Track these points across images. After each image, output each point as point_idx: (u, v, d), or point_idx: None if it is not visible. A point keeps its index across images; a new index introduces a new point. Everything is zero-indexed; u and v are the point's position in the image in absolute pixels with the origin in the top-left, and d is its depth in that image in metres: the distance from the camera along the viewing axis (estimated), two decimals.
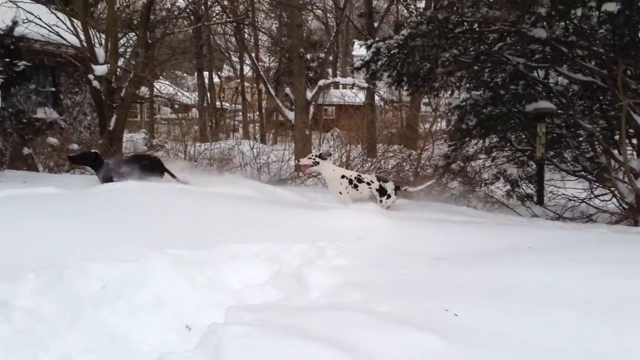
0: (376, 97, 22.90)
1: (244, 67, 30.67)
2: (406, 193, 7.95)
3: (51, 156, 11.79)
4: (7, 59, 10.85)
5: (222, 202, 6.39)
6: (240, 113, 33.51)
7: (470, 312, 3.11)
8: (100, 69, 10.82)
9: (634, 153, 9.19)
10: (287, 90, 18.79)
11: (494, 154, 11.98)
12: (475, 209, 9.88)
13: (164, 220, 5.22)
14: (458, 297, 3.39)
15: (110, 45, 11.22)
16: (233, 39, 28.23)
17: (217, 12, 20.85)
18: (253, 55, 22.99)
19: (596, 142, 9.63)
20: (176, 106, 29.03)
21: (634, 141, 9.21)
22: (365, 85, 17.63)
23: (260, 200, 6.88)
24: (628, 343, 2.74)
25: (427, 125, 16.40)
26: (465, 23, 9.25)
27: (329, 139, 15.31)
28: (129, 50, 13.30)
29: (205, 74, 30.28)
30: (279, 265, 4.27)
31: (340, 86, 30.61)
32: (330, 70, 28.36)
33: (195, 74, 31.14)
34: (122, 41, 12.92)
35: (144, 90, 20.73)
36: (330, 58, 25.79)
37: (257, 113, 30.23)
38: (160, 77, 25.38)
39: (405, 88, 11.73)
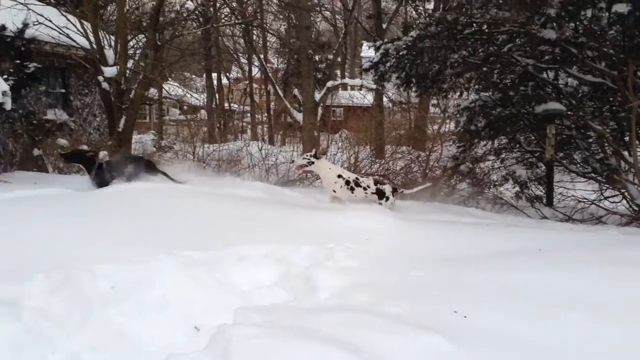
0: (384, 99, 22.87)
1: (253, 68, 30.71)
2: (402, 195, 7.95)
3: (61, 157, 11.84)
4: (18, 61, 10.94)
5: (231, 203, 6.40)
6: (249, 114, 33.56)
7: (480, 314, 3.10)
8: (110, 71, 10.85)
9: None
10: (296, 91, 18.80)
11: (503, 155, 11.94)
12: (484, 210, 9.84)
13: (172, 221, 5.24)
14: (467, 299, 3.37)
15: (119, 47, 11.26)
16: (242, 41, 28.28)
17: (225, 13, 20.86)
18: (261, 56, 23.02)
19: (606, 144, 9.58)
20: (185, 107, 29.11)
21: None
22: (374, 86, 17.62)
23: (269, 202, 6.89)
24: (638, 345, 2.72)
25: (436, 127, 16.33)
26: (474, 24, 9.23)
27: (337, 140, 15.30)
28: (138, 52, 13.34)
29: (214, 75, 30.34)
30: (287, 266, 4.28)
31: (349, 87, 30.58)
32: (338, 72, 28.36)
33: (204, 75, 31.19)
34: (131, 43, 12.97)
35: (153, 91, 20.80)
36: (339, 59, 25.78)
37: (266, 114, 30.29)
38: (169, 79, 25.49)
39: (413, 89, 11.73)
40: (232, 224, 5.37)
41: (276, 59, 33.50)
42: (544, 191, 10.68)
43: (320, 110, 16.59)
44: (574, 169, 10.62)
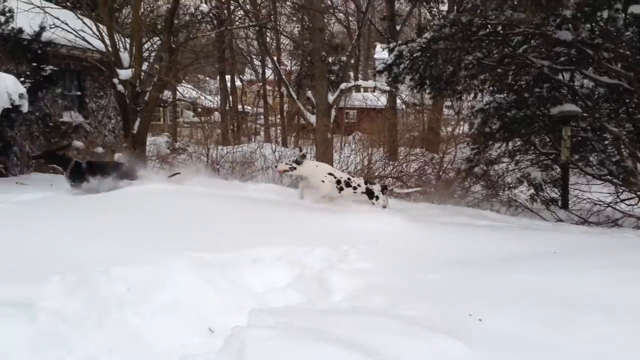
0: (398, 101, 22.80)
1: (266, 70, 30.77)
2: (393, 193, 7.96)
3: None
4: (35, 64, 11.08)
5: (244, 205, 6.42)
6: (262, 116, 33.62)
7: (495, 317, 3.08)
8: (125, 73, 10.92)
9: None
10: (309, 93, 18.78)
11: (517, 158, 11.88)
12: (498, 213, 9.79)
13: (186, 222, 5.26)
14: (482, 302, 3.36)
15: (134, 49, 11.32)
16: (255, 43, 28.33)
17: (239, 16, 21.01)
18: (275, 58, 23.00)
19: (622, 146, 9.49)
20: (199, 110, 29.26)
21: None
22: (387, 88, 17.56)
23: (282, 204, 6.89)
24: None
25: (450, 129, 16.30)
26: (489, 26, 9.20)
27: (350, 142, 15.30)
28: (153, 54, 13.42)
29: (228, 77, 30.42)
30: (301, 268, 4.28)
31: (362, 89, 30.55)
32: (352, 74, 28.29)
33: (218, 77, 31.27)
34: (146, 45, 13.04)
35: (167, 94, 20.92)
36: (352, 61, 25.70)
37: (279, 116, 30.31)
38: (184, 81, 25.59)
39: (427, 91, 11.70)
40: (246, 225, 5.38)
41: (289, 61, 33.48)
42: (559, 194, 10.60)
43: (333, 112, 16.54)
44: (590, 171, 10.54)
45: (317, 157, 13.98)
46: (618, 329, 2.88)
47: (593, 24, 8.30)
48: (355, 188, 7.03)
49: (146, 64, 12.66)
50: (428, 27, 11.74)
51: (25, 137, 11.15)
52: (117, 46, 11.50)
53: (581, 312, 3.08)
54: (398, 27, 22.93)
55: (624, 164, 9.48)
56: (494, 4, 9.60)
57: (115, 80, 11.02)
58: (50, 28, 11.26)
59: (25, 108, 8.37)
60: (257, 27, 19.06)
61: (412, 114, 24.48)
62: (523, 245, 5.34)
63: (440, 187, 11.82)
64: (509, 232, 6.46)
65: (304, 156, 7.08)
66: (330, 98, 15.31)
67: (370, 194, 7.03)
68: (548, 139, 11.21)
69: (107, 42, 11.22)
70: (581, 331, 2.86)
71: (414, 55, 10.08)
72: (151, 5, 17.64)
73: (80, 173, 7.14)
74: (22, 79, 9.24)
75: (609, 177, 10.15)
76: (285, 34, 27.01)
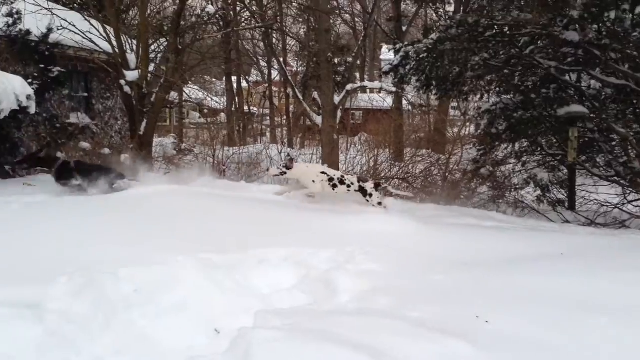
0: (404, 101, 22.78)
1: (272, 71, 30.84)
2: (387, 191, 7.95)
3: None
4: (42, 65, 11.12)
5: (250, 206, 6.42)
6: (268, 117, 33.66)
7: (502, 319, 3.07)
8: (132, 75, 10.97)
9: None
10: (315, 94, 18.77)
11: (524, 159, 11.85)
12: (505, 214, 9.76)
13: (192, 223, 5.27)
14: (489, 303, 3.35)
15: (141, 51, 11.38)
16: (261, 44, 28.40)
17: (246, 17, 21.03)
18: (281, 59, 23.02)
19: (630, 147, 9.45)
20: (205, 111, 29.32)
21: None
22: (393, 89, 17.55)
23: (288, 205, 6.90)
24: None
25: (456, 130, 16.26)
26: (496, 26, 9.17)
27: (356, 143, 15.28)
28: (159, 56, 13.47)
29: (234, 78, 30.49)
30: (307, 269, 4.27)
31: (368, 90, 30.52)
32: (358, 75, 28.29)
33: (224, 78, 31.32)
34: (152, 47, 13.10)
35: (173, 95, 20.99)
36: (358, 62, 25.68)
37: (285, 117, 30.33)
38: (190, 82, 25.67)
39: (434, 92, 11.69)
40: (252, 227, 5.38)
41: (296, 62, 33.53)
42: (566, 195, 10.56)
43: (339, 113, 16.54)
44: (597, 173, 10.49)
45: (323, 158, 13.98)
46: (626, 330, 2.87)
47: (600, 25, 8.27)
48: (349, 186, 7.06)
49: (153, 65, 12.71)
50: (434, 28, 11.74)
51: (32, 139, 11.22)
52: (124, 48, 11.56)
53: (589, 314, 3.07)
54: (404, 28, 22.90)
55: (631, 165, 9.44)
56: (501, 5, 9.58)
57: (122, 82, 11.07)
58: (58, 30, 11.33)
59: (32, 109, 8.40)
60: (263, 29, 19.10)
61: (418, 115, 24.46)
62: (530, 247, 5.32)
63: (446, 188, 11.81)
64: (516, 233, 6.43)
65: (291, 160, 7.32)
66: (336, 99, 15.31)
67: (363, 191, 7.05)
68: (555, 140, 11.18)
69: (114, 43, 11.27)
70: (589, 333, 2.85)
71: (420, 56, 10.08)
72: (158, 6, 17.72)
73: (67, 171, 7.17)
74: (29, 81, 9.27)
75: (616, 178, 10.11)
76: (291, 35, 27.07)
